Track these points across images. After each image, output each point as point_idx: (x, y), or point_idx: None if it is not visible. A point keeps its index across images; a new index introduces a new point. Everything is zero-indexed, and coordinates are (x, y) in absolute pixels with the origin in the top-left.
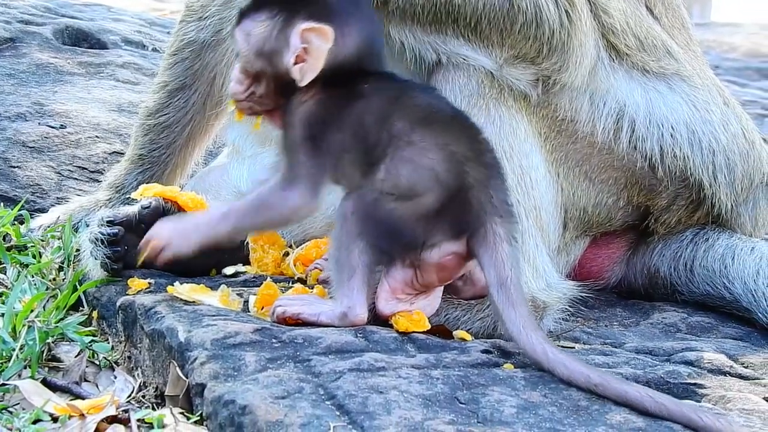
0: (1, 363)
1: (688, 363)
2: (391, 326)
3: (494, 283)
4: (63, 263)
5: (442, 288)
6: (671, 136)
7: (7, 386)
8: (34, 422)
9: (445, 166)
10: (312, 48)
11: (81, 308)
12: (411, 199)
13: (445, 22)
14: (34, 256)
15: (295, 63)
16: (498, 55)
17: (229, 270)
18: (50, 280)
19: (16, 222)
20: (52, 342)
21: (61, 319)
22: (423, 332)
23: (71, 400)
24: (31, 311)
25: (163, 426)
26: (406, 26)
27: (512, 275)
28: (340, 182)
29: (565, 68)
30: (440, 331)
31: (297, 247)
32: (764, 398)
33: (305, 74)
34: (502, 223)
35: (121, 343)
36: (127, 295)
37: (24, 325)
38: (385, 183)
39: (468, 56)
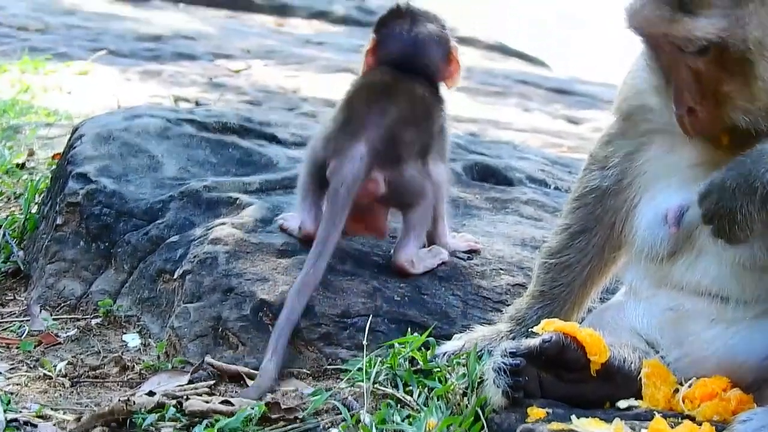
0: None
1: None
2: None
3: None
4: (467, 389)
5: None
6: None
7: None
8: None
9: None
10: None
11: None
12: None
13: None
14: (439, 381)
15: None
16: None
17: (622, 404)
18: (455, 405)
19: (422, 348)
20: None
21: None
22: None
23: None
24: None
25: None
26: None
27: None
28: None
29: None
30: None
31: (686, 384)
32: None
33: None
34: None
35: None
36: (526, 423)
37: None
38: None
39: None
